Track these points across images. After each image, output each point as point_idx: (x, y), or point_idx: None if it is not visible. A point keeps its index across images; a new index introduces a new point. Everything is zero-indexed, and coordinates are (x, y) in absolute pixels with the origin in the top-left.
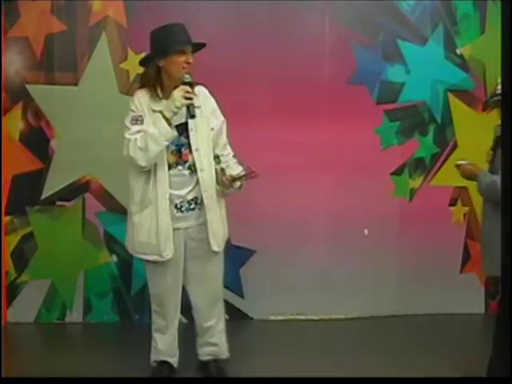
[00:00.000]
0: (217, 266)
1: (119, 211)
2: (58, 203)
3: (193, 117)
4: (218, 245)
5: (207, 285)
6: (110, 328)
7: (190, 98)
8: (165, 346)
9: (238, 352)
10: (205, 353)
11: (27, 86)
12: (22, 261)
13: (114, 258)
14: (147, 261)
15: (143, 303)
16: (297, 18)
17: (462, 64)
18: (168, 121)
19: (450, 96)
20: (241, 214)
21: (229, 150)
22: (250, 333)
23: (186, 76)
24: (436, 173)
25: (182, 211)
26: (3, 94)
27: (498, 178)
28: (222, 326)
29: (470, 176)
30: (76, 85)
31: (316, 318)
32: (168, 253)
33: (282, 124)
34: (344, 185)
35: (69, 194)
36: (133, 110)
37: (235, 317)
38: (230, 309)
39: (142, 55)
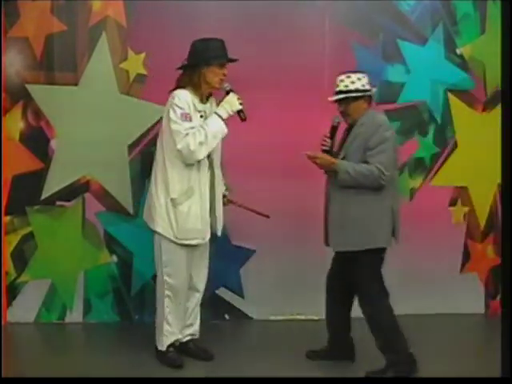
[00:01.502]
0: (208, 250)
1: (119, 211)
2: (58, 203)
3: (244, 120)
4: (220, 230)
5: (205, 268)
6: (109, 328)
7: (242, 104)
8: (179, 324)
9: (238, 352)
10: (187, 333)
11: (27, 86)
12: (22, 261)
13: (114, 258)
14: (185, 245)
15: (143, 303)
16: (297, 18)
17: (462, 64)
18: (224, 120)
19: (450, 96)
20: (241, 214)
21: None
22: (250, 333)
23: (227, 85)
24: (436, 173)
25: None
26: (3, 94)
27: (363, 165)
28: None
29: (328, 166)
30: (76, 85)
31: (316, 318)
32: (208, 236)
33: (282, 124)
34: None
35: (69, 194)
36: (181, 107)
37: (235, 317)
38: (230, 309)
39: (142, 55)
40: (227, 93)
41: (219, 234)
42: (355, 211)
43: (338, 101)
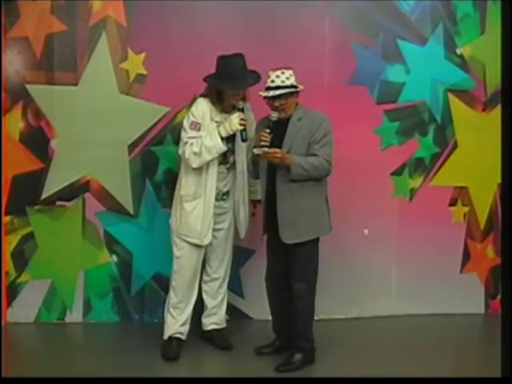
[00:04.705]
0: (231, 243)
1: (119, 211)
2: (58, 203)
3: (244, 141)
4: (243, 233)
5: (221, 257)
6: (110, 328)
7: (244, 125)
8: (181, 316)
9: (237, 352)
10: (210, 321)
11: (27, 86)
12: (22, 261)
13: (114, 258)
14: (187, 242)
15: (143, 303)
16: (297, 18)
17: (462, 64)
18: (222, 138)
19: (450, 96)
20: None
21: None
22: (250, 333)
23: (240, 103)
24: (436, 173)
25: (217, 200)
26: (3, 94)
27: (312, 158)
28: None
29: (284, 161)
30: (76, 85)
31: (316, 318)
32: (207, 239)
33: None
34: (344, 185)
35: (69, 194)
36: (194, 116)
37: (235, 317)
38: (230, 309)
39: (142, 55)
40: (237, 110)
41: (242, 236)
42: (305, 203)
43: (275, 96)
